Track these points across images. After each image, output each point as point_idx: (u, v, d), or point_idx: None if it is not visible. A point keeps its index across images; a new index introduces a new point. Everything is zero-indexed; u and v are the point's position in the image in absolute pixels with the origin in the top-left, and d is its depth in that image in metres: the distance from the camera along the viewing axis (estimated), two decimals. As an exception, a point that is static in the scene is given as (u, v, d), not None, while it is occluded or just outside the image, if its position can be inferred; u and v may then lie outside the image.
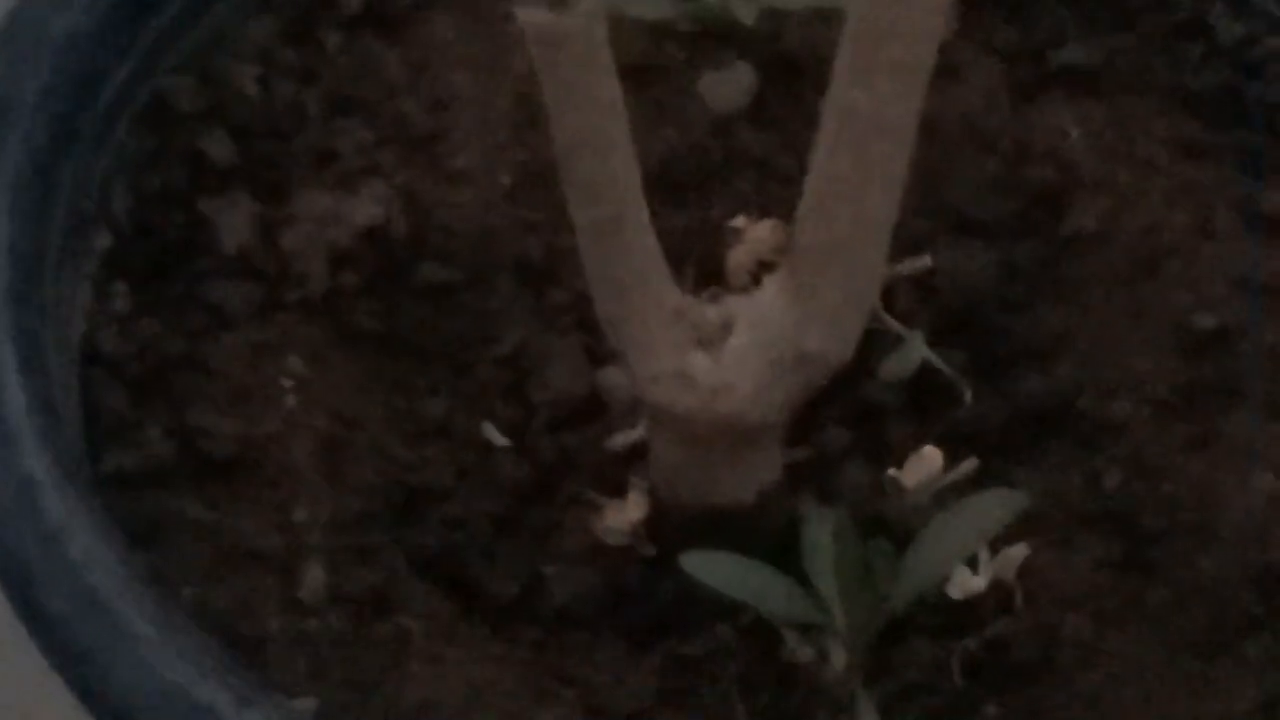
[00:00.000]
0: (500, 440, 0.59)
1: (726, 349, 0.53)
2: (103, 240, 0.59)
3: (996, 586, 0.56)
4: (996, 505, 0.55)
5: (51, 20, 0.56)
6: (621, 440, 0.59)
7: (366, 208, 0.60)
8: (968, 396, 0.60)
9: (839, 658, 0.55)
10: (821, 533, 0.55)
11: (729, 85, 0.65)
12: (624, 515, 0.58)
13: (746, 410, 0.54)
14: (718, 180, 0.64)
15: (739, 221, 0.63)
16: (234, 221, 0.59)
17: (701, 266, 0.62)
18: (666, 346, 0.53)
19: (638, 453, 0.58)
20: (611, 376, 0.60)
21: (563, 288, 0.62)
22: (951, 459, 0.58)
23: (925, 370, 0.60)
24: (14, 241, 0.52)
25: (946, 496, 0.58)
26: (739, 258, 0.63)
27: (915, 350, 0.60)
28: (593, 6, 0.47)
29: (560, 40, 0.47)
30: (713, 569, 0.54)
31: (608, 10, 0.47)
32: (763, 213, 0.63)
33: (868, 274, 0.52)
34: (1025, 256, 0.62)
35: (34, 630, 0.48)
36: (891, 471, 0.58)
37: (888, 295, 0.61)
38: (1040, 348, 0.61)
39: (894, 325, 0.61)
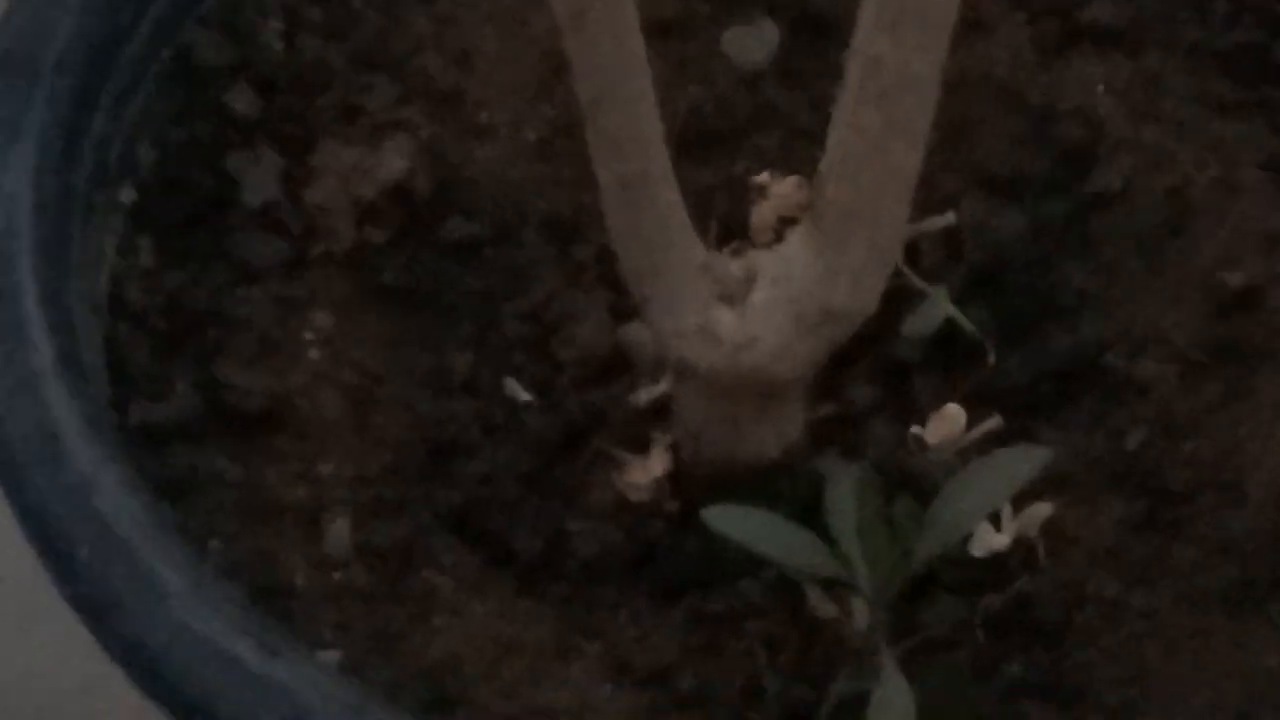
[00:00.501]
0: (525, 396, 0.59)
1: (751, 304, 0.53)
2: (127, 195, 0.59)
3: (1020, 544, 0.56)
4: (1020, 461, 0.55)
5: (79, -26, 0.56)
6: (645, 396, 0.59)
7: (392, 162, 0.60)
8: (992, 354, 0.60)
9: (862, 614, 0.55)
10: (845, 489, 0.55)
11: (753, 41, 0.65)
12: (648, 471, 0.58)
13: (770, 365, 0.54)
14: (742, 136, 0.64)
15: (763, 177, 0.63)
16: (259, 176, 0.60)
17: (725, 222, 0.62)
18: (691, 301, 0.53)
19: (662, 409, 0.59)
20: (635, 332, 0.60)
21: (588, 243, 0.62)
22: (976, 416, 0.58)
23: (950, 328, 0.60)
24: (41, 198, 0.52)
25: (970, 454, 0.58)
26: (763, 214, 0.63)
27: (939, 307, 0.60)
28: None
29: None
30: (737, 524, 0.54)
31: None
32: (787, 169, 0.63)
33: (892, 228, 0.52)
34: (1051, 214, 0.62)
35: (60, 580, 0.49)
36: (915, 429, 0.58)
37: (913, 252, 0.61)
38: (1066, 305, 0.61)
39: (918, 282, 0.61)
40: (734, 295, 0.53)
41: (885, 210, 0.51)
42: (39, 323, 0.50)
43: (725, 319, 0.53)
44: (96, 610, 0.47)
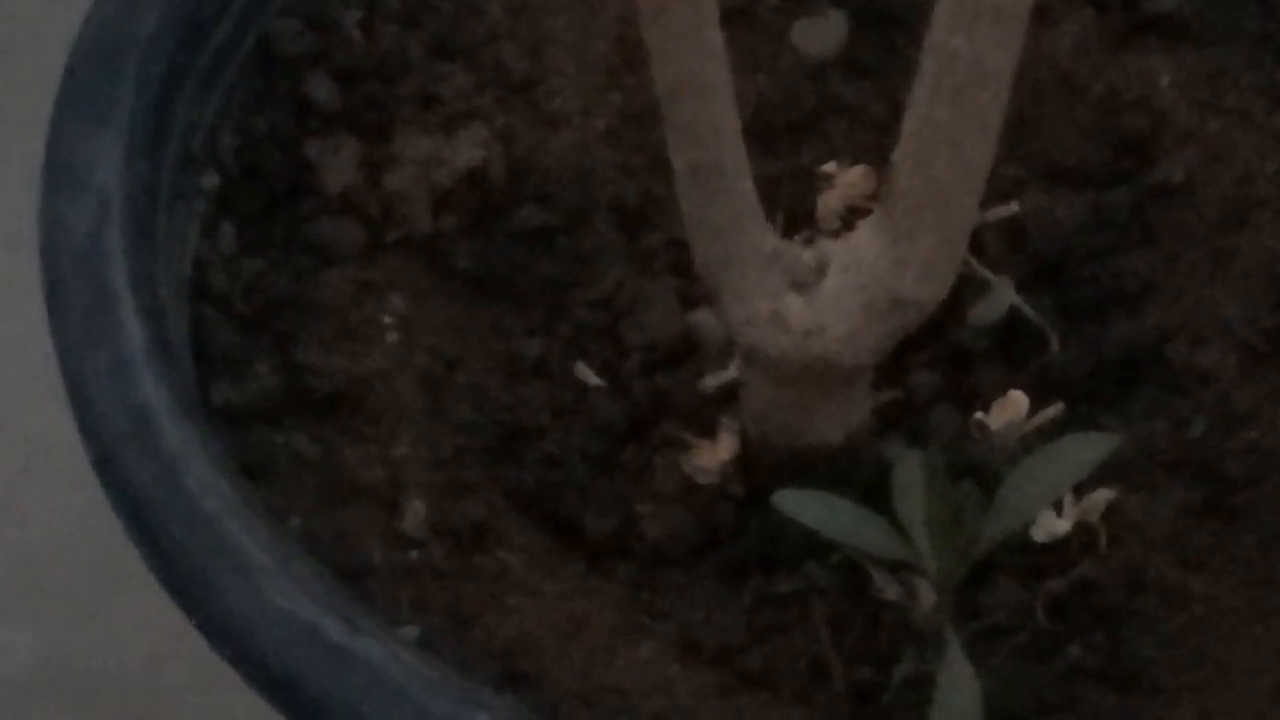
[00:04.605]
0: (595, 380, 0.60)
1: (821, 291, 0.54)
2: (210, 180, 0.60)
3: (1081, 530, 0.57)
4: (1085, 448, 0.56)
5: (161, -36, 0.58)
6: (713, 381, 0.60)
7: (467, 151, 0.61)
8: (1055, 342, 0.61)
9: (927, 597, 0.56)
10: (912, 474, 0.56)
11: (821, 32, 0.65)
12: (715, 455, 0.59)
13: (839, 352, 0.55)
14: (809, 126, 0.65)
15: (830, 167, 0.64)
16: (338, 163, 0.61)
17: (793, 211, 0.63)
18: (761, 288, 0.54)
19: (729, 394, 0.60)
20: (704, 319, 0.61)
21: (657, 230, 0.63)
22: (1038, 404, 0.59)
23: (1013, 316, 0.61)
24: (129, 184, 0.54)
25: (1032, 441, 0.58)
26: (830, 203, 0.64)
27: (1004, 296, 0.61)
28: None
29: (666, -13, 0.48)
30: (804, 507, 0.55)
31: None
32: (854, 158, 0.64)
33: (963, 220, 0.52)
34: (1114, 204, 0.63)
35: (150, 555, 0.50)
36: (979, 415, 0.59)
37: (977, 241, 0.62)
38: (1128, 295, 0.61)
39: (983, 271, 0.61)
40: (804, 283, 0.54)
41: (956, 202, 0.52)
42: (130, 307, 0.51)
43: (795, 306, 0.54)
44: (187, 587, 0.49)
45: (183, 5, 0.58)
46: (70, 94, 0.55)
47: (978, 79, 0.49)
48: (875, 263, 0.53)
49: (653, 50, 0.49)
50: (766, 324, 0.54)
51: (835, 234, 0.62)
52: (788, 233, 0.62)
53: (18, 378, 0.81)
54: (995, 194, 0.62)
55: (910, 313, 0.54)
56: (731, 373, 0.60)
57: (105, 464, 0.51)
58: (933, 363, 0.61)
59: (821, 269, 0.54)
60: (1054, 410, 0.59)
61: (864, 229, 0.54)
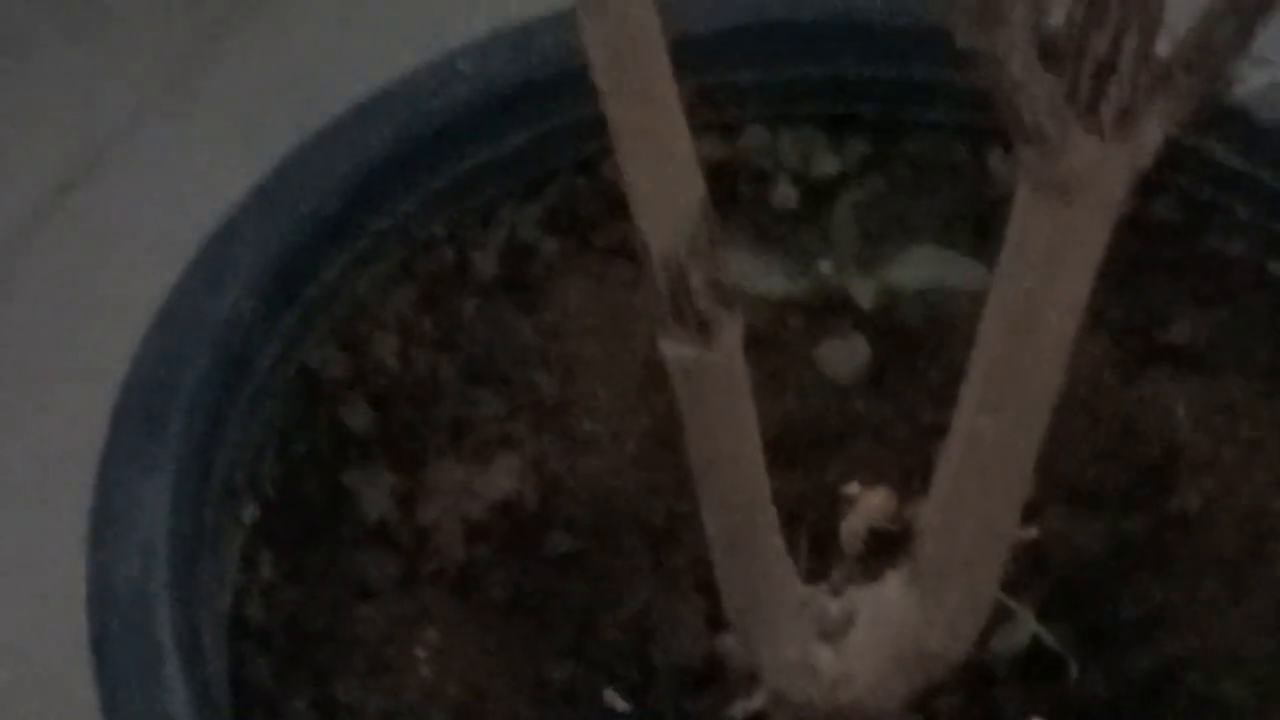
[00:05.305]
0: (622, 705, 0.61)
1: (849, 642, 0.55)
2: (251, 512, 0.61)
3: None
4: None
5: (210, 301, 0.59)
6: (741, 710, 0.61)
7: (499, 482, 0.63)
8: (1075, 668, 0.62)
9: None
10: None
11: (845, 355, 0.67)
12: (741, 784, 0.60)
13: (867, 699, 0.56)
14: (833, 444, 0.66)
15: (852, 489, 0.65)
16: (374, 493, 0.62)
17: (816, 531, 0.64)
18: (790, 637, 0.55)
19: (756, 721, 0.61)
20: (730, 644, 0.62)
21: (683, 550, 0.64)
22: (1060, 729, 0.60)
23: (1034, 639, 0.62)
24: (175, 528, 0.55)
25: (1054, 767, 0.59)
26: (852, 525, 0.64)
27: (1025, 626, 0.62)
28: (735, 340, 0.49)
29: (703, 373, 0.49)
30: None
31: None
32: (876, 478, 0.65)
33: (988, 583, 0.54)
34: (1132, 530, 0.64)
35: None
36: (1001, 745, 0.60)
37: (998, 564, 0.63)
38: (1148, 621, 0.63)
39: (1006, 599, 0.63)
40: (833, 632, 0.56)
41: (982, 567, 0.53)
42: (174, 660, 0.52)
43: (824, 655, 0.55)
44: None
45: (229, 344, 0.59)
46: (117, 441, 0.56)
47: (1003, 459, 0.50)
48: (903, 619, 0.54)
49: (689, 427, 0.51)
50: (795, 671, 0.56)
51: (858, 557, 0.63)
52: (812, 552, 0.63)
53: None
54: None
55: (937, 666, 0.55)
56: (758, 702, 0.61)
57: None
58: (954, 687, 0.62)
59: (849, 619, 0.56)
60: (1075, 740, 0.60)
61: (892, 583, 0.55)
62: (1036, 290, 0.47)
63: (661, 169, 0.45)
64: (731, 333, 0.49)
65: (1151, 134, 0.43)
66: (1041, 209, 0.45)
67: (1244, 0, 0.41)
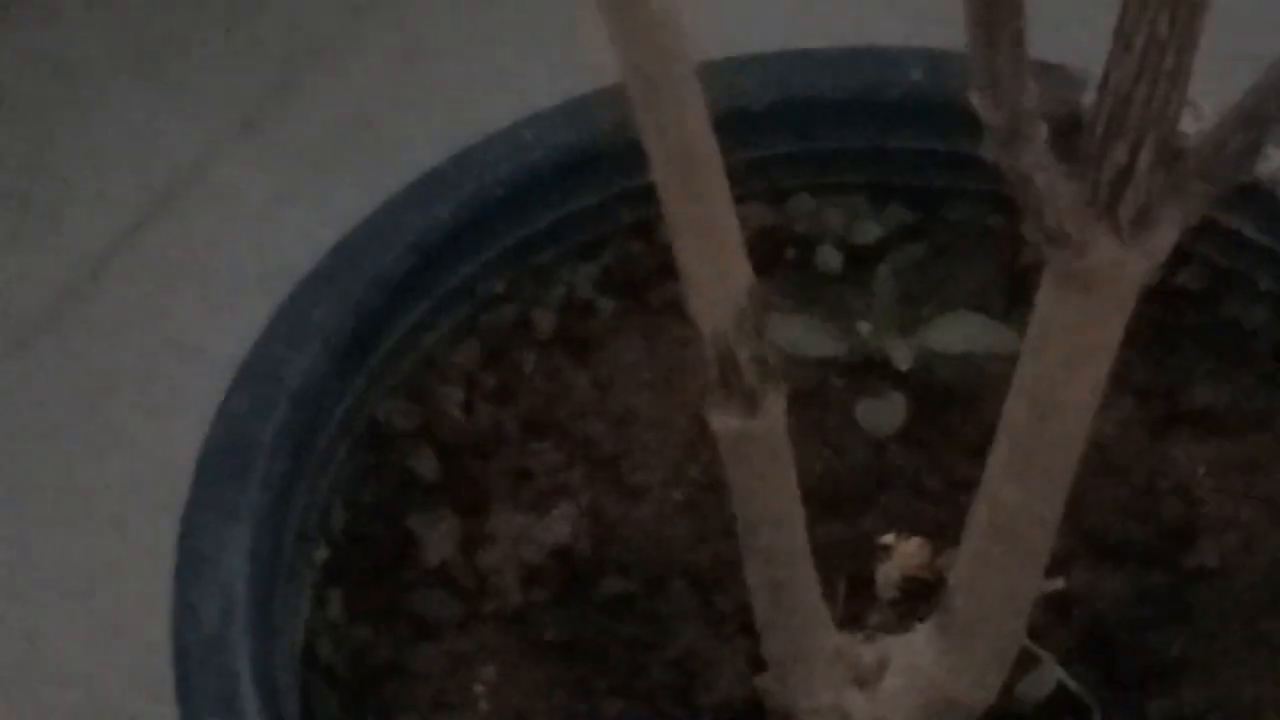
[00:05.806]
0: (668, 743, 0.65)
1: (881, 688, 0.59)
2: (322, 553, 0.65)
3: None
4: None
5: (289, 359, 0.63)
6: (780, 749, 0.65)
7: (556, 529, 0.66)
8: (1098, 716, 0.65)
9: None
10: None
11: (883, 412, 0.71)
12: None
13: (897, 743, 0.60)
14: (870, 496, 0.70)
15: (888, 538, 0.69)
16: (438, 537, 0.66)
17: (853, 577, 0.68)
18: (826, 683, 0.59)
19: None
20: (770, 684, 0.66)
21: (728, 595, 0.68)
22: (1082, 776, 0.64)
23: (1059, 685, 0.66)
24: (254, 574, 0.59)
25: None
26: (888, 573, 0.68)
27: (1050, 673, 0.66)
28: (779, 412, 0.53)
29: (748, 441, 0.53)
30: None
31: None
32: (912, 528, 0.69)
33: (1013, 635, 0.57)
34: (1154, 584, 0.67)
35: None
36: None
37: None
38: (1169, 671, 0.66)
39: (1032, 647, 0.66)
40: (866, 679, 0.59)
41: (1007, 622, 0.57)
42: (251, 694, 0.56)
43: (857, 701, 0.59)
44: None
45: (307, 399, 0.63)
46: (202, 489, 0.60)
47: (1027, 524, 0.54)
48: (932, 668, 0.58)
49: (734, 489, 0.55)
50: (829, 714, 0.59)
51: (893, 602, 0.67)
52: (849, 597, 0.66)
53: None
54: (1045, 566, 0.67)
55: (963, 713, 0.59)
56: (803, 744, 0.64)
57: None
58: (982, 730, 0.66)
59: (882, 667, 0.59)
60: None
61: (922, 634, 0.59)
62: (1059, 373, 0.51)
63: (712, 259, 0.48)
64: (775, 404, 0.52)
65: (1168, 233, 0.47)
66: (1064, 298, 0.49)
67: (1255, 115, 0.45)
